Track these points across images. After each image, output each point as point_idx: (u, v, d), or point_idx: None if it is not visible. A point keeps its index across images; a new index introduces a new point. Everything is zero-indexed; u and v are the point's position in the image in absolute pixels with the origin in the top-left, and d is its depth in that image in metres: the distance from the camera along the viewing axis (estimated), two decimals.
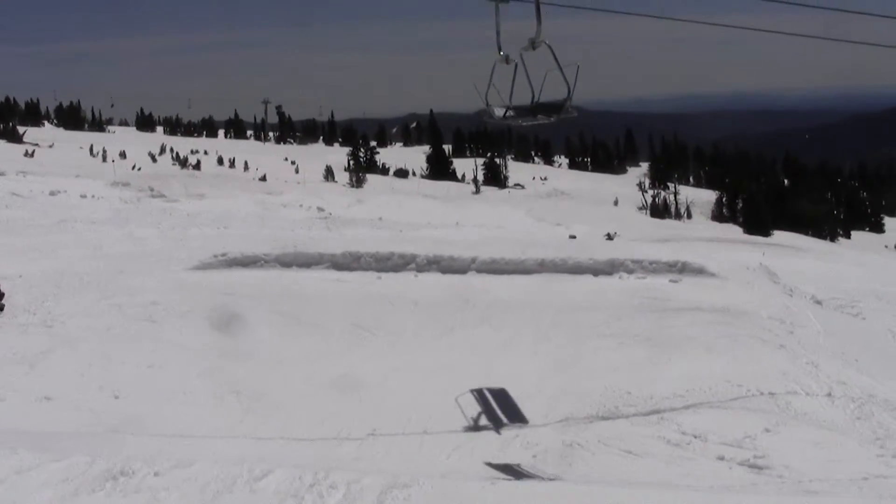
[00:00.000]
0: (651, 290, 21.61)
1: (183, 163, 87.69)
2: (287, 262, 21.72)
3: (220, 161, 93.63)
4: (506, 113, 13.38)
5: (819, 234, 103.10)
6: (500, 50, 12.41)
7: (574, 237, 40.31)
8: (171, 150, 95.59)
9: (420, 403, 12.94)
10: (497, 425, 12.47)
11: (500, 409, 12.84)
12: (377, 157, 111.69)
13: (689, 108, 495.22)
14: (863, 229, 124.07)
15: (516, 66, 12.69)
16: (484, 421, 12.55)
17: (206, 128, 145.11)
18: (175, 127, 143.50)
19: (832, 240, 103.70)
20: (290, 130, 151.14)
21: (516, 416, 12.62)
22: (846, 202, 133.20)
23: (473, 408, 12.98)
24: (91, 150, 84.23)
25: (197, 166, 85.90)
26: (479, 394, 13.43)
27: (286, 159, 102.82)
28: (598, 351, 15.79)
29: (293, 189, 67.23)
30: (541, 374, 14.21)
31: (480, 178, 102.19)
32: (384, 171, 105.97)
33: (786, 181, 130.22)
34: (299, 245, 22.95)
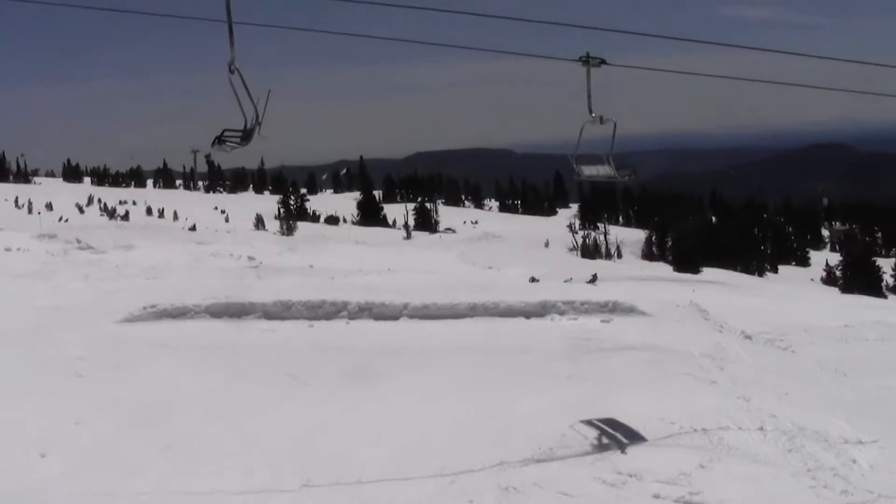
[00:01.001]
0: (583, 331, 21.74)
1: (111, 213, 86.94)
2: (217, 312, 21.58)
3: (149, 211, 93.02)
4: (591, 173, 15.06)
5: (747, 269, 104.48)
6: (591, 111, 13.39)
7: (536, 280, 40.53)
8: (99, 200, 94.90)
9: (354, 453, 12.84)
10: (432, 472, 12.41)
11: (435, 456, 12.78)
12: (307, 205, 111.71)
13: (616, 148, 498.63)
14: (789, 263, 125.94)
15: (615, 124, 14.01)
16: (419, 469, 12.47)
17: (135, 178, 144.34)
18: (103, 177, 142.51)
19: (760, 275, 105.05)
20: (220, 179, 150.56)
21: (451, 462, 12.56)
22: (772, 238, 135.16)
23: (409, 455, 12.90)
24: (16, 202, 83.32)
25: (125, 217, 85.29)
26: (414, 441, 13.36)
27: (216, 208, 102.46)
28: (532, 393, 15.80)
29: (223, 238, 66.91)
30: (475, 419, 14.18)
31: (411, 223, 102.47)
32: (315, 218, 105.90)
33: (713, 219, 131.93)
34: (230, 295, 22.82)
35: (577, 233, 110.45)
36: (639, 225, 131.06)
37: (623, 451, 12.56)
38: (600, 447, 12.76)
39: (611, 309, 25.27)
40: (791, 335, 37.70)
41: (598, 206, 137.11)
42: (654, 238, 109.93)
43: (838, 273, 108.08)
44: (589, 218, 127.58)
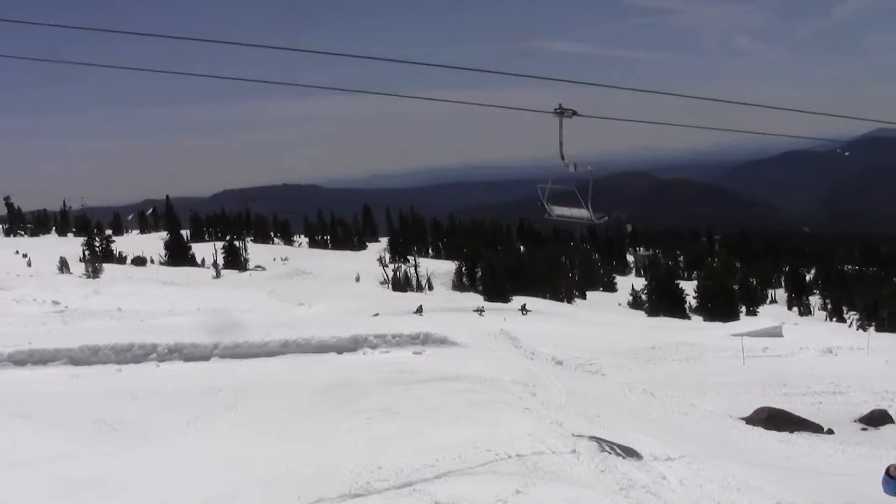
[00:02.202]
0: (396, 364, 21.79)
1: None
2: (21, 360, 20.86)
3: None
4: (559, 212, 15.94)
5: (557, 296, 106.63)
6: (563, 158, 14.20)
7: (377, 315, 40.47)
8: None
9: (167, 500, 12.53)
10: None
11: (250, 500, 12.58)
12: (113, 246, 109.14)
13: (423, 181, 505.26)
14: (597, 289, 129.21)
15: (590, 172, 14.89)
16: None
17: None
18: None
19: (569, 301, 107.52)
20: (21, 222, 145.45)
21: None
22: (580, 264, 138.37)
23: (223, 501, 12.67)
24: None
25: None
26: (228, 485, 13.13)
27: (17, 252, 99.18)
28: (346, 428, 15.73)
29: (26, 283, 64.87)
30: (291, 457, 14.01)
31: (221, 261, 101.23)
32: (121, 259, 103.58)
33: (522, 248, 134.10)
34: (34, 341, 22.09)
35: (387, 266, 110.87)
36: (449, 256, 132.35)
37: (442, 481, 12.60)
38: (417, 479, 12.77)
39: (423, 340, 25.42)
40: (600, 359, 38.64)
41: (408, 239, 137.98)
42: (464, 269, 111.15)
43: (644, 297, 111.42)
44: (399, 251, 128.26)
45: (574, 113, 13.55)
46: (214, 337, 23.68)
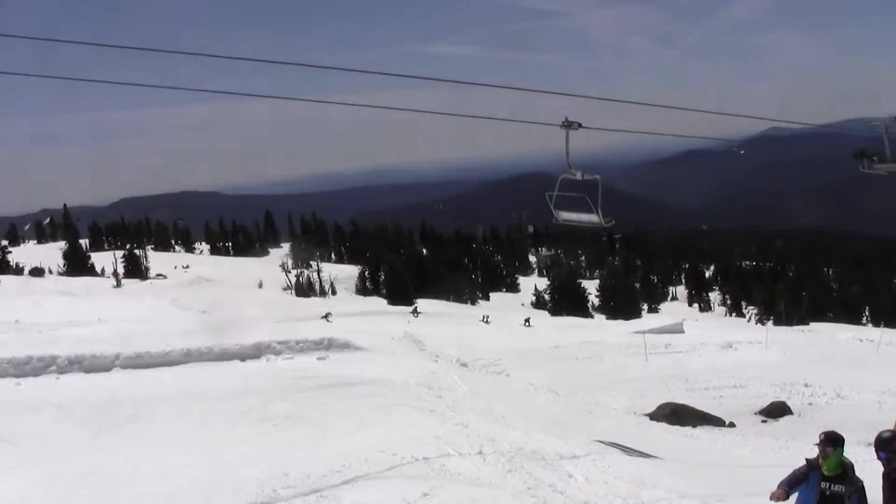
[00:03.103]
0: (300, 370, 21.67)
1: None
2: None
3: None
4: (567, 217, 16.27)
5: (460, 298, 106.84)
6: (570, 167, 14.72)
7: (329, 318, 40.10)
8: None
9: None
10: None
11: None
12: (10, 257, 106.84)
13: (325, 186, 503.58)
14: (500, 290, 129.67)
15: (598, 180, 15.08)
16: None
17: None
18: None
19: (473, 303, 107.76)
20: None
21: None
22: (483, 266, 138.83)
23: None
24: None
25: None
26: (130, 498, 12.88)
27: None
28: (252, 436, 15.57)
29: None
30: (195, 467, 13.81)
31: (121, 270, 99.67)
32: (18, 270, 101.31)
33: (424, 251, 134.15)
34: None
35: (290, 272, 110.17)
36: (351, 261, 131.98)
37: (350, 487, 12.53)
38: (325, 485, 12.68)
39: (326, 346, 25.32)
40: (505, 359, 38.86)
41: (310, 244, 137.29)
42: (367, 273, 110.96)
43: (547, 297, 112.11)
44: (301, 256, 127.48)
45: (580, 125, 14.42)
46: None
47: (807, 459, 9.14)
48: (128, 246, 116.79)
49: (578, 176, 15.52)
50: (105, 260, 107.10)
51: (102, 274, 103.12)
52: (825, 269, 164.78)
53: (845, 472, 8.89)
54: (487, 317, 67.18)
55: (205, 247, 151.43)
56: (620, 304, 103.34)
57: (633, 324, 70.32)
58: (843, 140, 23.38)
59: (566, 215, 16.21)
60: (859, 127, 23.16)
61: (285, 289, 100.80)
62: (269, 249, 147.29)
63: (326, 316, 50.21)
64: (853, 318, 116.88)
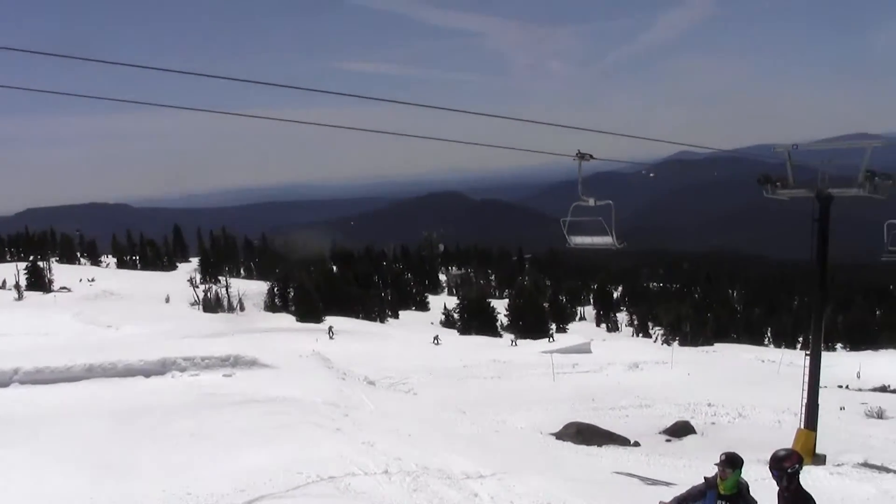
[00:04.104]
0: (206, 387, 21.43)
1: None
2: None
3: None
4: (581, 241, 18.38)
5: (369, 316, 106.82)
6: (581, 194, 16.52)
7: (332, 333, 39.45)
8: None
9: None
10: None
11: None
12: None
13: (237, 201, 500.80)
14: (410, 308, 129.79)
15: (611, 205, 17.32)
16: None
17: None
18: None
19: (382, 321, 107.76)
20: None
21: None
22: (393, 284, 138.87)
23: None
24: None
25: None
26: None
27: None
28: (154, 454, 15.29)
29: None
30: (95, 487, 13.50)
31: (23, 283, 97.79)
32: None
33: (335, 268, 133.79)
34: None
35: (198, 287, 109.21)
36: (261, 277, 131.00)
37: None
38: None
39: (233, 363, 25.07)
40: (413, 378, 38.87)
41: (220, 259, 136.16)
42: (276, 289, 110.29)
43: (456, 316, 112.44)
44: (210, 272, 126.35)
45: (591, 157, 16.86)
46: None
47: (705, 478, 9.40)
48: (31, 257, 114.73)
49: (591, 202, 17.00)
50: (7, 272, 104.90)
51: (3, 286, 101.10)
52: (730, 291, 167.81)
53: (741, 492, 9.18)
54: (437, 337, 67.84)
55: (112, 260, 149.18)
56: (529, 324, 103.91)
57: (542, 343, 70.80)
58: (751, 165, 23.91)
59: (578, 240, 18.29)
60: (764, 153, 23.72)
61: (193, 304, 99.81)
62: (178, 264, 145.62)
63: (329, 330, 49.90)
64: (756, 339, 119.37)
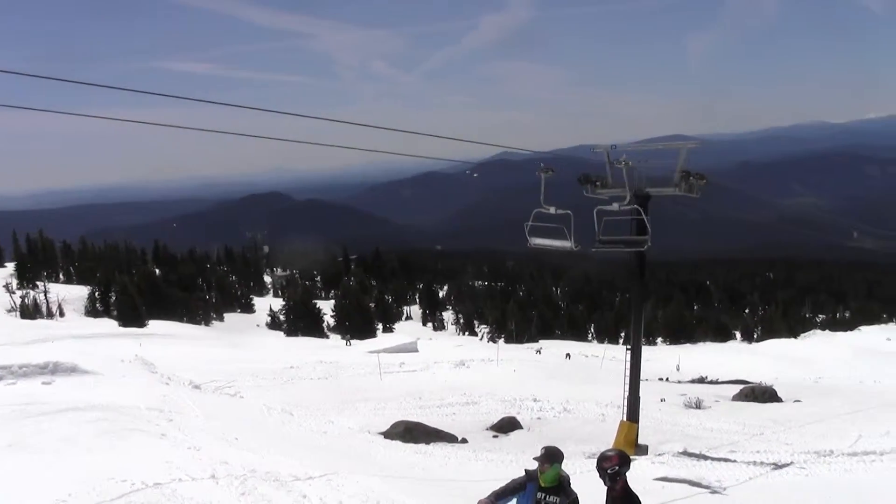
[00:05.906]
0: (23, 396, 20.80)
1: None
2: None
3: None
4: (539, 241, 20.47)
5: (194, 320, 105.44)
6: (543, 202, 18.14)
7: (349, 341, 37.99)
8: None
9: None
10: None
11: None
12: None
13: (51, 203, 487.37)
14: (235, 311, 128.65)
15: (570, 215, 19.46)
16: None
17: None
18: None
19: (207, 324, 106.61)
20: None
21: None
22: (217, 287, 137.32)
23: None
24: None
25: None
26: None
27: None
28: None
29: None
30: None
31: None
32: None
33: (157, 271, 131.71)
34: None
35: (14, 293, 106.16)
36: (81, 281, 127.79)
37: None
38: None
39: (52, 370, 24.39)
40: (239, 381, 38.51)
41: (37, 263, 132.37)
42: (97, 294, 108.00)
43: (282, 317, 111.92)
44: (27, 277, 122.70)
45: (551, 170, 19.57)
46: None
47: (526, 471, 9.67)
48: None
49: (552, 210, 18.26)
50: None
51: None
52: (554, 289, 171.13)
53: (561, 484, 9.46)
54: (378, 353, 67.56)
55: None
56: (355, 324, 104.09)
57: (368, 343, 70.96)
58: (574, 164, 24.43)
59: (538, 241, 20.17)
60: (585, 154, 24.40)
61: (10, 310, 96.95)
62: None
63: (346, 339, 49.02)
64: (580, 335, 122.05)
